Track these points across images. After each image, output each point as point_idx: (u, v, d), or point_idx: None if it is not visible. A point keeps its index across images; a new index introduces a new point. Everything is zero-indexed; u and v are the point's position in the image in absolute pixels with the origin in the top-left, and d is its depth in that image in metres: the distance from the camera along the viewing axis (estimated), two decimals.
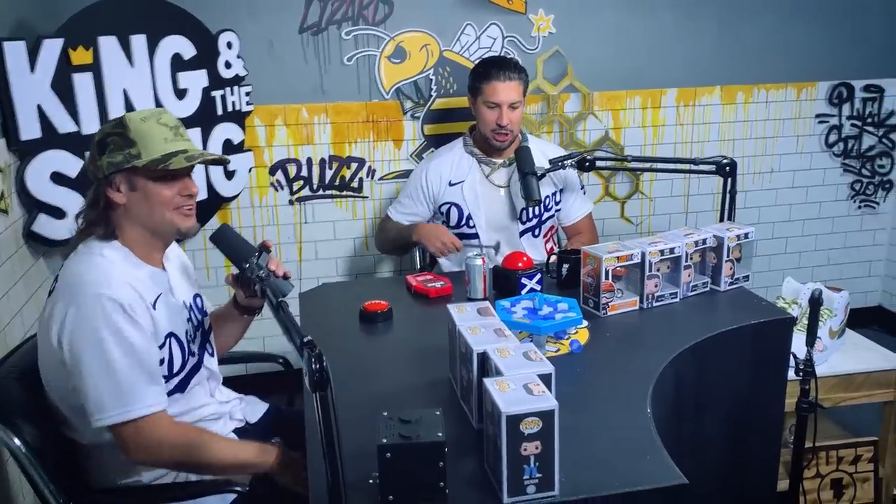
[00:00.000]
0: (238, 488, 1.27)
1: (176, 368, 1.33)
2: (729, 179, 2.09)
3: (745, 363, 1.67)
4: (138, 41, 2.20)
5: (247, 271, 1.25)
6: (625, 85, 2.89)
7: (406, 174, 2.72)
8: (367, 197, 2.75)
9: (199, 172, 2.48)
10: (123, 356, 1.20)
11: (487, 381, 1.11)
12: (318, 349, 1.02)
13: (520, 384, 1.09)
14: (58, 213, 1.96)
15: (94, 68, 2.08)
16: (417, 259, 2.48)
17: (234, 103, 2.51)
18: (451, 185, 2.13)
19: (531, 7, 2.73)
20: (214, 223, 2.62)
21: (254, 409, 1.62)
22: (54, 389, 1.27)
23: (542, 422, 1.03)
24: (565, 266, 1.92)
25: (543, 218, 2.28)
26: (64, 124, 2.00)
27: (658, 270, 1.78)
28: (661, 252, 1.77)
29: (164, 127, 1.29)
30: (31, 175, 1.94)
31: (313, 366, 0.98)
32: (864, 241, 3.30)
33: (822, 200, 3.20)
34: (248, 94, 2.55)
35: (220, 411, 1.44)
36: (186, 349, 1.36)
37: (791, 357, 1.73)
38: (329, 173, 2.70)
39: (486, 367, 1.20)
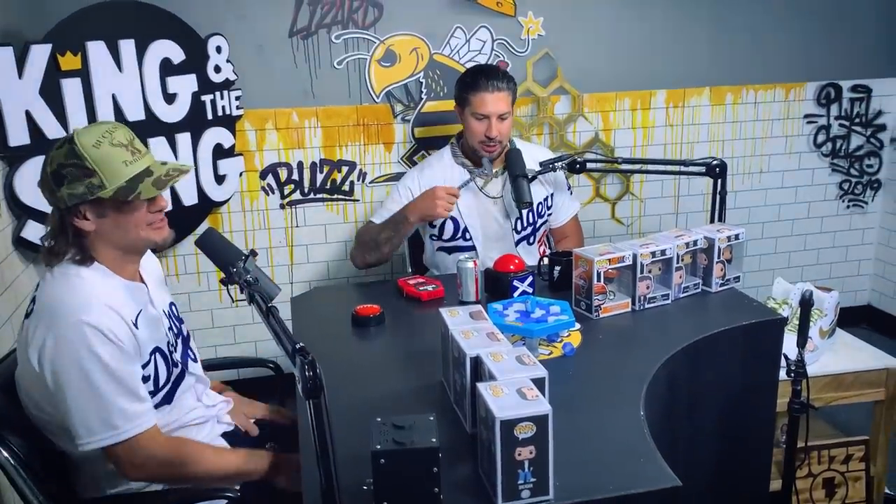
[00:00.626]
0: (230, 494, 1.26)
1: (162, 382, 1.33)
2: (719, 180, 2.10)
3: (736, 364, 1.67)
4: (127, 46, 2.19)
5: (234, 276, 1.25)
6: (614, 87, 2.89)
7: (397, 177, 2.72)
8: (358, 200, 2.75)
9: (189, 176, 2.47)
10: (107, 381, 1.20)
11: (481, 386, 1.11)
12: (310, 356, 1.01)
13: (513, 389, 1.09)
14: (47, 219, 1.95)
15: (83, 73, 2.07)
16: (408, 261, 2.49)
17: (223, 108, 2.49)
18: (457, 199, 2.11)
19: (520, 10, 2.73)
20: (205, 228, 2.60)
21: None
22: (39, 409, 1.27)
23: (536, 426, 1.03)
24: (557, 268, 1.93)
25: (538, 225, 2.27)
26: (53, 130, 1.99)
27: (650, 272, 1.78)
28: (653, 254, 1.77)
29: (120, 147, 1.25)
30: (19, 181, 1.93)
31: (306, 373, 0.97)
32: (852, 240, 3.32)
33: (811, 200, 3.22)
34: (237, 98, 2.54)
35: (206, 415, 1.44)
36: (170, 360, 1.36)
37: (782, 357, 1.73)
38: (320, 177, 2.70)
39: (480, 371, 1.20)
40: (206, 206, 2.54)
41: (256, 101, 2.59)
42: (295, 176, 2.68)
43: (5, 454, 1.19)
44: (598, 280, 1.72)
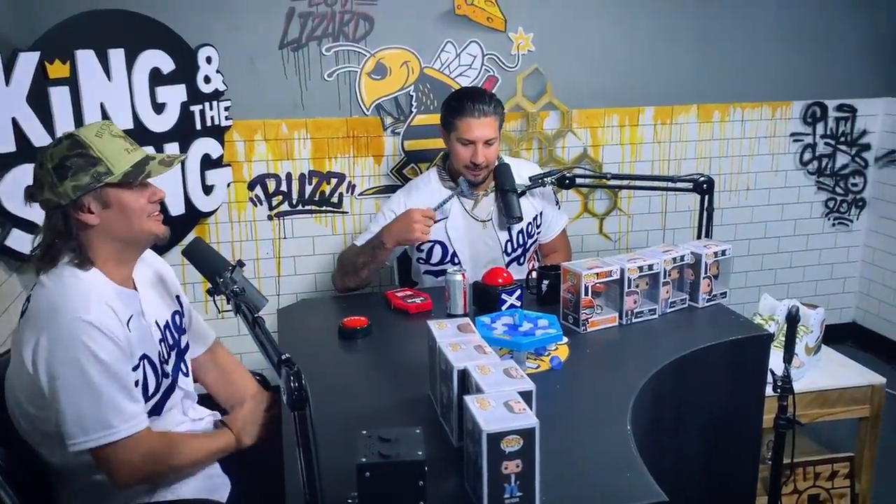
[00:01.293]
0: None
1: (150, 391, 1.32)
2: (706, 197, 2.11)
3: (723, 379, 1.68)
4: (116, 55, 2.18)
5: (220, 286, 1.24)
6: (603, 103, 2.92)
7: (386, 190, 2.72)
8: (346, 212, 2.75)
9: (177, 186, 2.46)
10: (106, 378, 1.19)
11: (468, 399, 1.10)
12: (296, 367, 1.00)
13: (500, 402, 1.09)
14: (31, 227, 1.93)
15: (71, 82, 2.06)
16: (396, 274, 2.47)
17: (213, 118, 2.49)
18: (434, 222, 2.08)
19: (511, 25, 2.75)
20: (192, 238, 2.59)
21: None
22: (24, 414, 1.25)
23: (523, 440, 1.03)
24: (545, 282, 1.93)
25: (528, 245, 2.26)
26: (39, 138, 1.98)
27: (637, 287, 1.79)
28: (640, 268, 1.78)
29: (119, 138, 1.28)
30: (4, 189, 1.91)
31: (291, 384, 0.97)
32: (838, 258, 3.35)
33: (797, 218, 3.25)
34: (227, 108, 2.54)
35: (192, 429, 1.43)
36: (160, 371, 1.35)
37: (769, 373, 1.74)
38: (308, 188, 2.70)
39: (467, 384, 1.20)
40: (194, 216, 2.53)
41: (246, 112, 2.59)
42: (283, 187, 2.68)
43: None
44: (586, 294, 1.72)
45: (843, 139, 3.20)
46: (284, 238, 2.72)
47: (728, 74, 3.01)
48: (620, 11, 2.87)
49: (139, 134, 2.27)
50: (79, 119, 2.09)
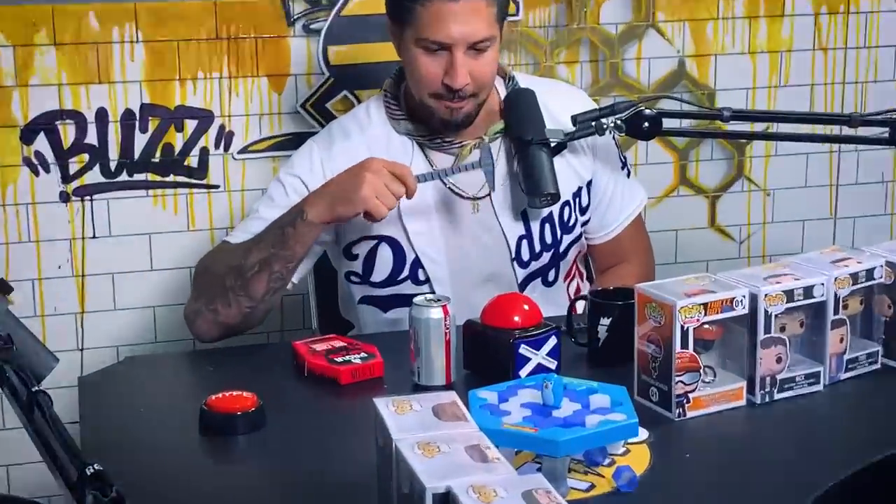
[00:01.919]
0: None
1: None
2: None
3: None
4: None
5: None
6: None
7: (294, 141, 2.70)
8: (217, 187, 2.75)
9: None
10: None
11: None
12: (114, 490, 1.00)
13: None
14: None
15: None
16: (314, 313, 2.47)
17: None
18: (407, 197, 2.09)
19: None
20: None
21: None
22: None
23: None
24: (604, 321, 1.94)
25: (563, 247, 2.29)
26: None
27: (784, 330, 1.80)
28: (789, 294, 1.79)
29: None
30: None
31: None
32: None
33: None
34: None
35: None
36: None
37: None
38: (141, 140, 2.69)
39: None
40: None
41: None
42: (92, 138, 2.67)
43: None
44: (686, 346, 1.73)
45: None
46: (94, 237, 2.71)
47: None
48: None
49: None
50: None
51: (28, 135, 2.64)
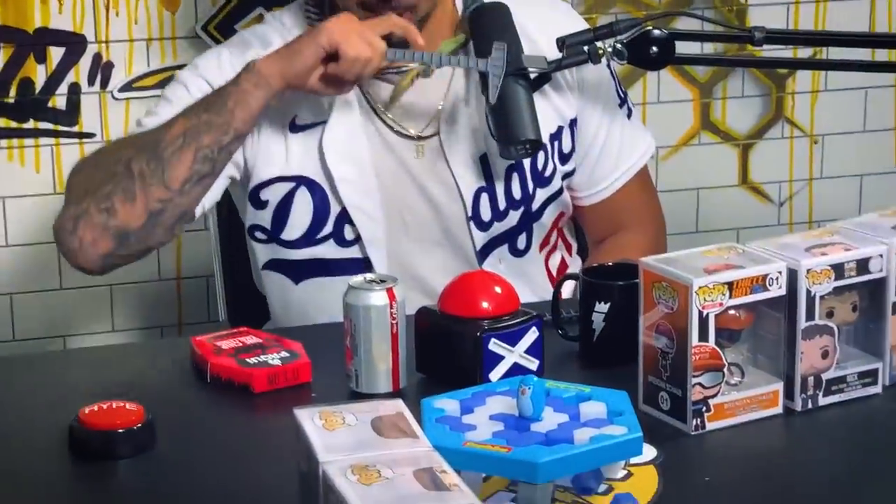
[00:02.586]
0: None
1: None
2: None
3: None
4: None
5: None
6: None
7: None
8: (92, 136, 2.79)
9: None
10: None
11: None
12: None
13: None
14: None
15: None
16: (220, 300, 2.50)
17: None
18: (294, 128, 2.15)
19: None
20: None
21: None
22: None
23: None
24: (599, 308, 1.95)
25: (536, 204, 2.31)
26: None
27: (831, 316, 1.80)
28: (838, 270, 1.79)
29: None
30: None
31: None
32: None
33: None
34: None
35: None
36: None
37: None
38: None
39: None
40: None
41: None
42: None
43: None
44: (705, 339, 1.73)
45: None
46: None
47: None
48: None
49: None
50: None
51: None
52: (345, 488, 1.26)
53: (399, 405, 1.45)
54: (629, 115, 2.39)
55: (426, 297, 2.11)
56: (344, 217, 2.23)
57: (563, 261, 2.38)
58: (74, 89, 2.72)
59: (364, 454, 1.33)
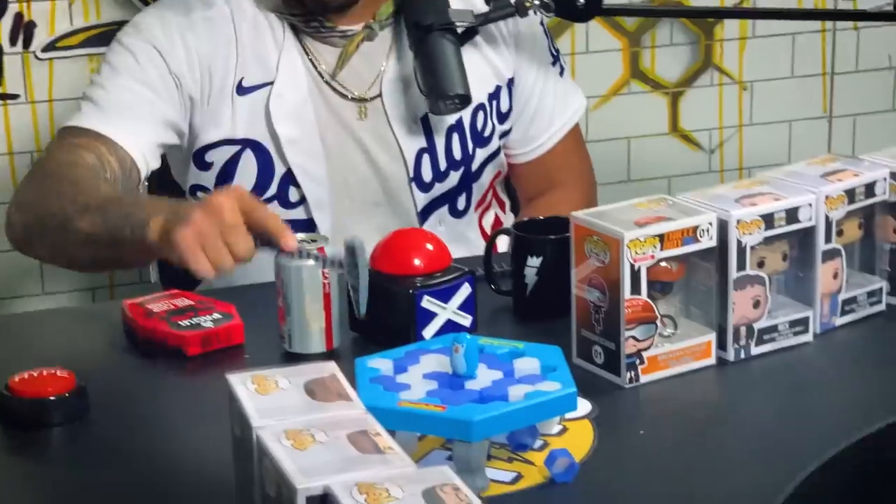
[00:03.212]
0: None
1: None
2: None
3: None
4: None
5: None
6: None
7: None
8: (16, 97, 2.77)
9: None
10: None
11: None
12: None
13: None
14: None
15: None
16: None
17: None
18: (241, 90, 2.14)
19: None
20: None
21: None
22: None
23: None
24: (532, 262, 1.95)
25: (475, 164, 2.32)
26: None
27: (762, 266, 1.82)
28: (768, 220, 1.80)
29: None
30: None
31: None
32: None
33: None
34: None
35: None
36: None
37: None
38: None
39: None
40: None
41: None
42: None
43: None
44: (636, 289, 1.74)
45: None
46: None
47: None
48: None
49: None
50: None
51: None
52: (279, 453, 1.25)
53: (332, 367, 1.43)
54: (561, 73, 2.39)
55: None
56: (288, 179, 2.23)
57: (497, 218, 2.39)
58: None
59: (298, 418, 1.32)
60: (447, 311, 1.84)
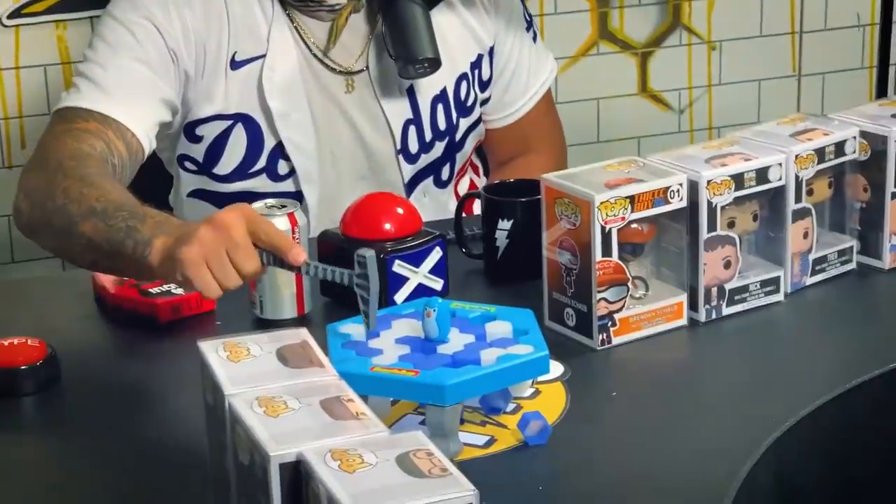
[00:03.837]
0: None
1: None
2: None
3: None
4: None
5: None
6: None
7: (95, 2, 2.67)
8: None
9: None
10: None
11: None
12: None
13: None
14: None
15: None
16: None
17: None
18: (234, 65, 2.14)
19: None
20: None
21: None
22: None
23: None
24: (503, 225, 1.95)
25: (459, 134, 2.32)
26: None
27: (733, 227, 1.82)
28: (738, 180, 1.80)
29: None
30: None
31: None
32: None
33: None
34: None
35: None
36: None
37: None
38: None
39: (309, 497, 1.20)
40: None
41: None
42: None
43: None
44: (608, 254, 1.74)
45: None
46: None
47: None
48: None
49: None
50: None
51: None
52: (251, 420, 1.25)
53: (304, 333, 1.43)
54: (534, 38, 2.39)
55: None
56: (278, 152, 2.23)
57: (471, 183, 2.39)
58: None
59: (270, 385, 1.32)
60: (418, 275, 1.85)
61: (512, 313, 1.63)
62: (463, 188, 2.39)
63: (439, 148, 2.30)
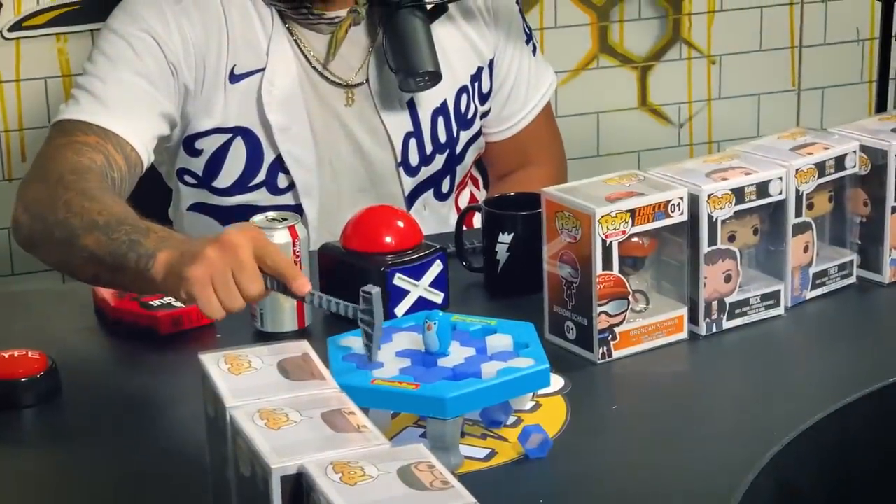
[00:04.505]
0: None
1: None
2: None
3: None
4: None
5: None
6: None
7: (88, 12, 2.69)
8: None
9: None
10: None
11: None
12: None
13: None
14: None
15: None
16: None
17: None
18: (233, 79, 2.13)
19: None
20: None
21: None
22: None
23: None
24: (503, 239, 1.95)
25: (460, 147, 2.32)
26: None
27: (733, 240, 1.82)
28: (738, 194, 1.80)
29: None
30: None
31: None
32: None
33: None
34: None
35: None
36: None
37: None
38: None
39: None
40: None
41: None
42: None
43: None
44: (608, 268, 1.74)
45: None
46: None
47: None
48: None
49: None
50: None
51: None
52: (253, 433, 1.25)
53: (305, 346, 1.43)
54: (534, 51, 2.39)
55: None
56: (277, 165, 2.22)
57: (472, 195, 2.40)
58: None
59: (271, 398, 1.32)
60: (419, 288, 1.84)
61: (512, 326, 1.63)
62: (463, 201, 2.38)
63: (440, 161, 2.30)
